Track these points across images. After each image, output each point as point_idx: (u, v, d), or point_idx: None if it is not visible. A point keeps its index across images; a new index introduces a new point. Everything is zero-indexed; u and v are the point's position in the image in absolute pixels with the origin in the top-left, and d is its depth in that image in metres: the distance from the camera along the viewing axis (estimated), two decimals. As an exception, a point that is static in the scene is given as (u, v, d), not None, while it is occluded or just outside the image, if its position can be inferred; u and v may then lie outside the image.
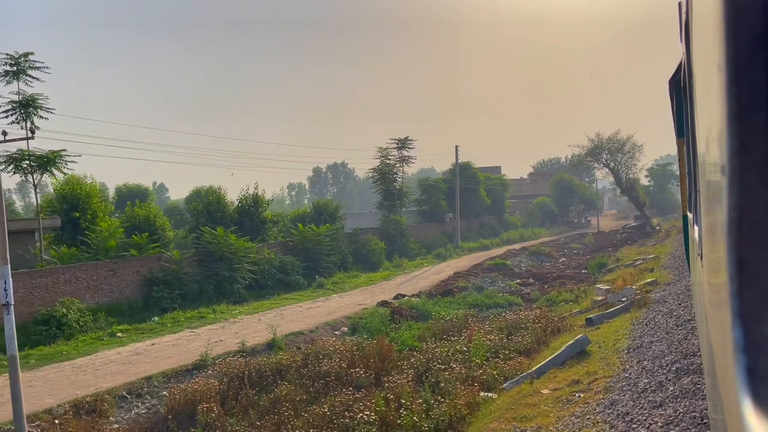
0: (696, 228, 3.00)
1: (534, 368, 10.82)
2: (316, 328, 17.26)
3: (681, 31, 3.86)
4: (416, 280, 27.68)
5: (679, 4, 4.02)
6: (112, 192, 55.38)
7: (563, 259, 33.62)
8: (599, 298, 17.26)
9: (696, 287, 4.05)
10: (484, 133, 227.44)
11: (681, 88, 4.57)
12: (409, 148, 41.70)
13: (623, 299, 15.63)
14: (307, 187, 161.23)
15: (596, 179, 74.87)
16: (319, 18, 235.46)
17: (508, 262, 30.31)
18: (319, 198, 48.96)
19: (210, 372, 12.24)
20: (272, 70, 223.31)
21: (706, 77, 1.07)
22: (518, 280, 26.75)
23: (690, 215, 4.59)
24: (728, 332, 0.82)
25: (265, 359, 12.92)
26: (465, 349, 12.64)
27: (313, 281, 26.40)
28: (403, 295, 22.21)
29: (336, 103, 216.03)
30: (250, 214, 28.17)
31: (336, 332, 17.32)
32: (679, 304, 12.95)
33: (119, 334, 16.50)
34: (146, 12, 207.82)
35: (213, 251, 23.32)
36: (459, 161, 52.89)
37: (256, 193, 28.95)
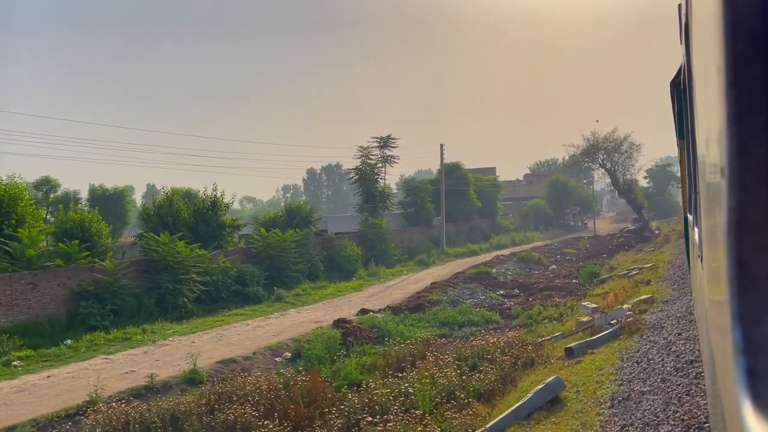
0: (696, 230, 3.01)
1: (490, 424, 8.30)
2: (254, 353, 14.73)
3: (681, 33, 3.91)
4: (390, 291, 25.16)
5: (679, 5, 4.04)
6: (85, 194, 52.87)
7: (553, 266, 31.09)
8: (585, 319, 14.73)
9: (696, 289, 4.01)
10: (482, 134, 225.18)
11: (681, 90, 4.54)
12: (392, 146, 39.23)
13: (612, 321, 13.11)
14: (302, 189, 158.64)
15: (594, 180, 72.46)
16: (320, 18, 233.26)
17: (493, 270, 27.78)
18: (310, 200, 46.09)
19: (86, 422, 9.69)
20: (264, 70, 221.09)
21: (706, 79, 1.08)
22: (501, 291, 24.24)
23: (690, 217, 4.55)
24: (728, 334, 0.82)
25: (164, 402, 10.38)
26: (412, 391, 10.11)
27: (274, 293, 23.90)
28: (368, 311, 19.70)
29: (330, 104, 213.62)
30: (207, 219, 25.63)
31: (277, 359, 14.81)
32: (679, 334, 10.42)
33: (15, 363, 13.93)
34: (142, 11, 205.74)
35: (156, 260, 20.80)
36: (448, 162, 50.49)
37: (215, 196, 26.44)
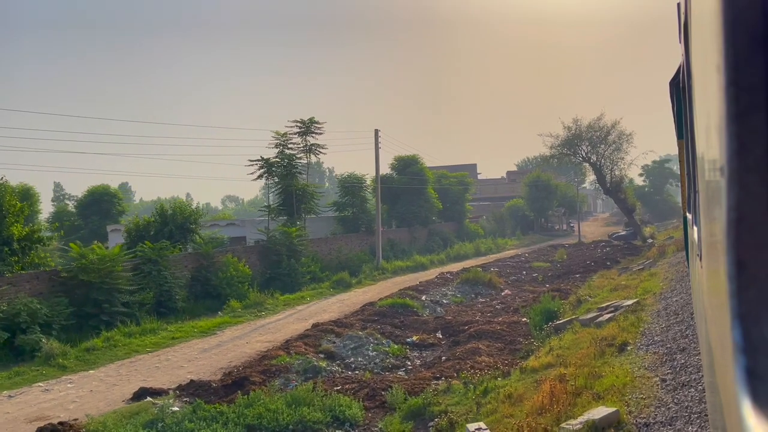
0: (695, 228, 3.01)
1: None
2: None
3: (680, 32, 3.92)
4: (251, 337, 17.09)
5: (678, 5, 4.09)
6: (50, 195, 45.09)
7: (507, 291, 23.06)
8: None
9: (695, 288, 4.02)
10: (477, 133, 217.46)
11: (680, 89, 4.52)
12: (317, 133, 31.11)
13: None
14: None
15: (586, 178, 64.41)
16: (316, 16, 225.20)
17: (416, 302, 19.70)
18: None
19: None
20: (239, 65, 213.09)
21: (705, 78, 1.07)
22: (413, 338, 16.29)
23: (689, 216, 4.54)
24: (727, 333, 0.82)
25: None
26: None
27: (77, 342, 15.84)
28: (152, 391, 11.72)
29: (309, 100, 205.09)
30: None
31: None
32: None
33: None
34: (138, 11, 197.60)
35: None
36: (405, 155, 42.53)
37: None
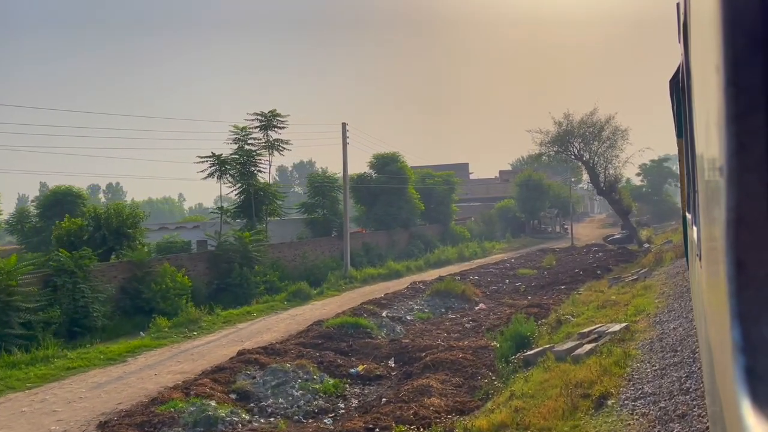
0: (695, 228, 2.99)
1: None
2: None
3: (679, 32, 3.89)
4: (154, 371, 14.00)
5: (678, 4, 4.06)
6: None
7: (482, 305, 20.23)
8: None
9: (695, 288, 4.00)
10: (472, 131, 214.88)
11: (680, 88, 4.53)
12: (280, 127, 28.24)
13: None
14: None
15: (582, 177, 61.57)
16: (316, 17, 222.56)
17: (367, 321, 16.84)
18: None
19: None
20: (232, 63, 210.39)
21: (704, 78, 1.07)
22: (359, 367, 13.51)
23: (689, 216, 4.51)
24: (727, 333, 0.81)
25: None
26: None
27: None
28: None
29: (309, 100, 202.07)
30: None
31: None
32: None
33: None
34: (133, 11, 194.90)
35: None
36: (385, 152, 39.80)
37: None
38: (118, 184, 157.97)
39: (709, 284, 1.24)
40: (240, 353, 14.10)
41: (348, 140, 28.35)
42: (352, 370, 13.54)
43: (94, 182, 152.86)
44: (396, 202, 37.46)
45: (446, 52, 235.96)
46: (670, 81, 6.00)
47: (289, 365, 12.71)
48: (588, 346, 11.43)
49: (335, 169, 68.24)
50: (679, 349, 9.53)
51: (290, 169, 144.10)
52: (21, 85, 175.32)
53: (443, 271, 29.89)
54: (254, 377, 12.33)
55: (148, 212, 28.72)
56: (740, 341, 0.77)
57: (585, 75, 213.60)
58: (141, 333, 17.37)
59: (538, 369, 10.94)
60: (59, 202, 39.46)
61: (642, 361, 9.65)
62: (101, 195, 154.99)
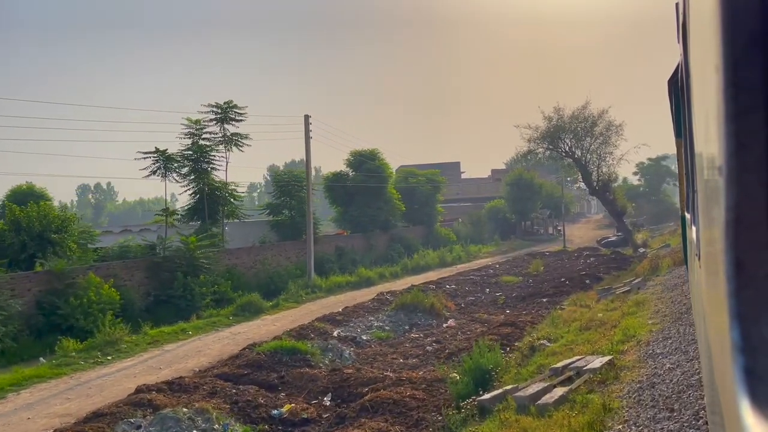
0: (694, 228, 2.98)
1: None
2: None
3: (678, 32, 3.87)
4: (32, 413, 11.07)
5: (677, 4, 4.04)
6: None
7: (451, 322, 17.60)
8: None
9: (694, 287, 3.92)
10: (468, 130, 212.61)
11: (679, 88, 4.50)
12: (237, 120, 25.60)
13: None
14: (263, 188, 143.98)
15: (578, 176, 59.01)
16: (317, 17, 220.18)
17: (306, 346, 14.16)
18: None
19: None
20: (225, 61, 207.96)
21: (704, 78, 1.07)
22: (284, 408, 10.90)
23: (688, 215, 4.48)
24: (726, 333, 0.81)
25: None
26: None
27: None
28: None
29: (307, 99, 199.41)
30: None
31: None
32: None
33: None
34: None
35: None
36: (363, 149, 37.27)
37: None
38: (109, 184, 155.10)
39: (709, 284, 1.22)
40: (138, 390, 11.45)
41: (311, 133, 25.70)
42: (275, 412, 10.92)
43: (84, 182, 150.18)
44: (374, 203, 34.84)
45: (441, 50, 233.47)
46: (669, 81, 5.96)
47: (185, 410, 10.08)
48: (559, 391, 8.85)
49: (327, 168, 65.48)
50: (676, 406, 6.94)
51: (281, 168, 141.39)
52: None
53: (420, 279, 27.33)
54: (139, 427, 9.72)
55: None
56: (739, 341, 0.76)
57: (584, 74, 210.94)
58: (41, 359, 14.72)
59: (492, 422, 8.36)
60: (18, 203, 36.89)
61: (626, 422, 7.07)
62: (90, 196, 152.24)
